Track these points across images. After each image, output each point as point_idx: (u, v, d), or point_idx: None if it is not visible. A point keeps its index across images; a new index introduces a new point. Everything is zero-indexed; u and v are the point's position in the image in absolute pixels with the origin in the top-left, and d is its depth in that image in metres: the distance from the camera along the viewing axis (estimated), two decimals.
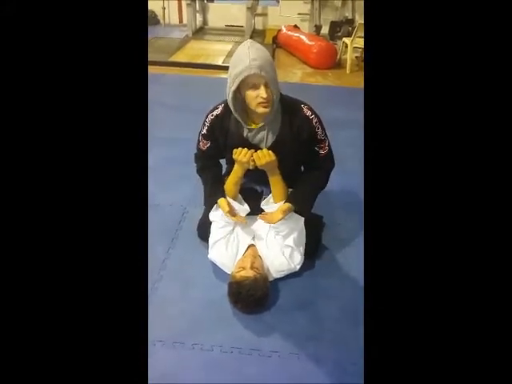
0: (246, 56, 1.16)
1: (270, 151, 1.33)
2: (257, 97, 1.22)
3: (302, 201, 1.43)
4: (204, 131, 1.43)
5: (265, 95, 1.20)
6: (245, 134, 1.37)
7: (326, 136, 1.40)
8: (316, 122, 1.34)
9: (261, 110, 1.25)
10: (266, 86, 1.20)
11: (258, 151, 1.34)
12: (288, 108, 1.33)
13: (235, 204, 1.45)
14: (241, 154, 1.33)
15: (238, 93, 1.25)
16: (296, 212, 1.43)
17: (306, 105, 1.36)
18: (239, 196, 1.49)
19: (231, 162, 1.42)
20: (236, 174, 1.42)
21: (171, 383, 1.16)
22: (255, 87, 1.21)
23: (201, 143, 1.47)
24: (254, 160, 1.33)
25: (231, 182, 1.45)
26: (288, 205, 1.40)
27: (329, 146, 1.42)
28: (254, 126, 1.35)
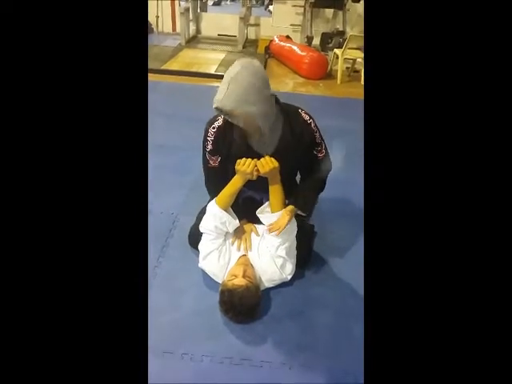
0: (225, 87, 1.15)
1: (273, 158, 1.32)
2: (238, 122, 1.23)
3: (304, 202, 1.46)
4: (210, 147, 1.39)
5: (242, 125, 1.22)
6: (249, 142, 1.37)
7: (323, 139, 1.42)
8: (314, 126, 1.37)
9: (248, 129, 1.27)
10: (245, 119, 1.20)
11: (262, 159, 1.32)
12: (287, 114, 1.34)
13: (225, 216, 1.42)
14: (244, 165, 1.30)
15: None
16: (298, 215, 1.46)
17: (302, 109, 1.38)
18: (230, 209, 1.45)
19: (232, 173, 1.39)
20: (235, 184, 1.38)
21: None
22: (236, 117, 1.21)
23: (210, 161, 1.43)
24: (257, 170, 1.31)
25: (227, 193, 1.40)
26: (291, 207, 1.42)
27: (325, 149, 1.44)
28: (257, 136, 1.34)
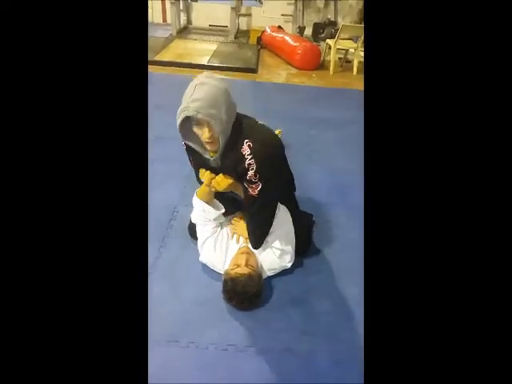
0: (190, 95, 1.12)
1: (227, 175, 1.34)
2: (202, 135, 1.19)
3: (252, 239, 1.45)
4: (185, 146, 1.39)
5: (207, 135, 1.17)
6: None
7: (262, 181, 1.26)
8: (249, 164, 1.22)
9: (208, 146, 1.25)
10: (209, 125, 1.15)
11: (217, 177, 1.36)
12: (232, 139, 1.23)
13: (204, 205, 1.46)
14: (203, 176, 1.38)
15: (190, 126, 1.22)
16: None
17: (249, 141, 1.22)
18: (214, 200, 1.49)
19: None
20: (205, 188, 1.44)
21: (167, 382, 1.15)
22: (200, 125, 1.17)
23: (190, 159, 1.47)
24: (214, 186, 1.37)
25: (203, 190, 1.45)
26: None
27: (261, 192, 1.28)
28: (212, 155, 1.31)
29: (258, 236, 1.44)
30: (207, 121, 1.13)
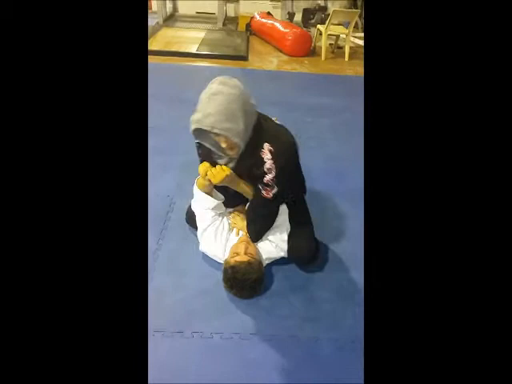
0: (204, 106, 1.08)
1: (224, 166, 1.30)
2: (220, 143, 1.17)
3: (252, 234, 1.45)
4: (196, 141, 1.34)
5: (224, 145, 1.15)
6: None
7: (278, 186, 1.25)
8: (269, 169, 1.21)
9: (228, 152, 1.22)
10: (226, 138, 1.12)
11: (213, 169, 1.31)
12: (252, 142, 1.19)
13: (202, 194, 1.46)
14: (199, 166, 1.35)
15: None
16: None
17: (271, 143, 1.20)
18: (214, 190, 1.48)
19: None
20: (202, 182, 1.42)
21: (174, 372, 1.15)
22: (217, 136, 1.14)
23: (200, 155, 1.43)
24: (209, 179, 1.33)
25: (201, 182, 1.43)
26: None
27: (275, 196, 1.28)
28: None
29: (259, 232, 1.44)
30: (224, 135, 1.10)
